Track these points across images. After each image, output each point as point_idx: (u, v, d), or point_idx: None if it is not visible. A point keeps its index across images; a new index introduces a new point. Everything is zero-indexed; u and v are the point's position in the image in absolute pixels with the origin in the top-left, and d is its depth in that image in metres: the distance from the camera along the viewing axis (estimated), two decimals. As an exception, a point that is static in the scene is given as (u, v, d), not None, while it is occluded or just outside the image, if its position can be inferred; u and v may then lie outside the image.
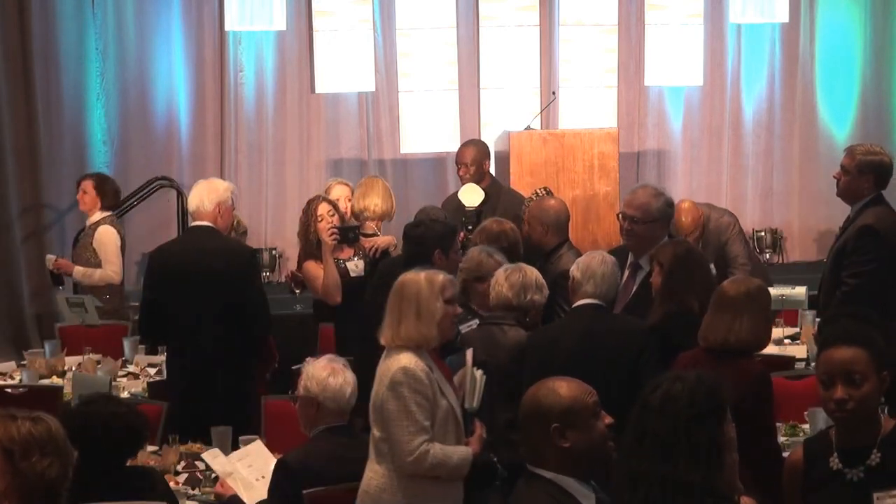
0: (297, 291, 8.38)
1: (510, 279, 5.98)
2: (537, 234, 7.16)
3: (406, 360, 4.80)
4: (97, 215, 8.93)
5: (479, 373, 5.04)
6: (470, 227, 7.70)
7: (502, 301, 5.99)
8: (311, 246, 7.63)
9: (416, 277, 4.94)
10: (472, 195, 8.37)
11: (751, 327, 5.12)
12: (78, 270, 8.81)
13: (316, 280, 7.58)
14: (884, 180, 7.12)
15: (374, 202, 7.91)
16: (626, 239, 6.50)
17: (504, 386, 5.66)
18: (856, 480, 3.81)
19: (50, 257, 8.95)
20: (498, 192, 8.73)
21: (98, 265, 8.79)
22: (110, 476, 4.52)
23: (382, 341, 4.91)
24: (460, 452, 4.82)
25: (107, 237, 8.89)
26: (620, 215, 6.56)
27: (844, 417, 3.80)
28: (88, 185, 8.94)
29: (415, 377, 4.75)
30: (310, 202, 7.76)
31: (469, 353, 5.19)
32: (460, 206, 8.33)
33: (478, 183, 8.65)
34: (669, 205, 6.57)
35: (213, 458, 5.25)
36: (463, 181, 8.74)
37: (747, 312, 5.12)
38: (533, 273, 6.05)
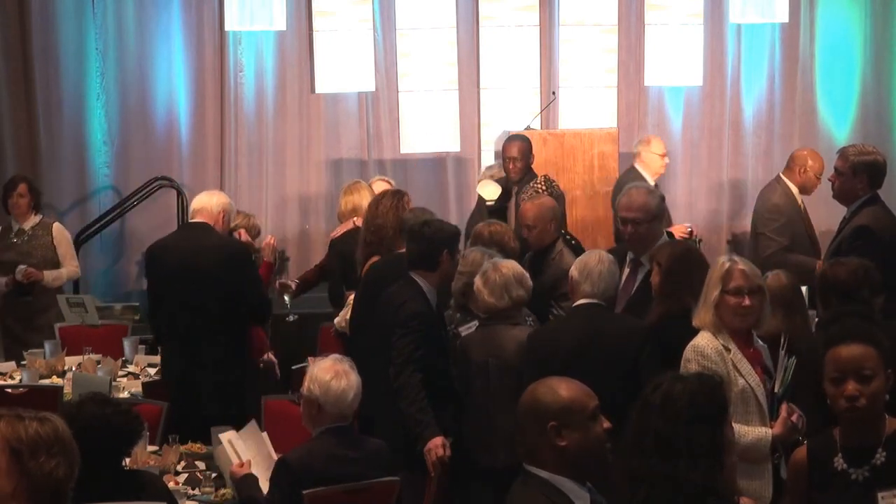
0: (287, 299, 8.03)
1: (489, 283, 5.92)
2: (548, 234, 7.15)
3: (699, 339, 4.95)
4: (36, 217, 8.86)
5: (791, 359, 5.05)
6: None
7: (489, 308, 5.95)
8: (390, 239, 7.11)
9: (717, 261, 5.08)
10: (489, 190, 8.50)
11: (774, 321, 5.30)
12: (48, 275, 8.72)
13: None
14: (878, 180, 7.13)
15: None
16: (629, 242, 6.54)
17: (508, 386, 5.66)
18: (861, 480, 3.81)
19: (21, 267, 8.62)
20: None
21: (55, 265, 8.79)
22: (107, 478, 4.51)
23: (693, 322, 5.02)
24: (756, 433, 4.86)
25: (64, 235, 8.96)
26: (620, 220, 6.61)
27: (856, 414, 3.79)
28: (25, 188, 8.83)
29: (703, 354, 4.88)
30: (403, 195, 7.37)
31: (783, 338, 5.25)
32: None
33: (523, 176, 8.74)
34: (662, 199, 6.73)
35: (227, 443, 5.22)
36: (511, 175, 8.82)
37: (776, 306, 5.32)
38: (510, 268, 5.99)
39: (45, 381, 7.28)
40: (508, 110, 11.53)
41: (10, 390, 6.80)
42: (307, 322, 8.58)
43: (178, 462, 5.69)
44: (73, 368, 7.45)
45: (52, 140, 10.90)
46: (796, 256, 8.06)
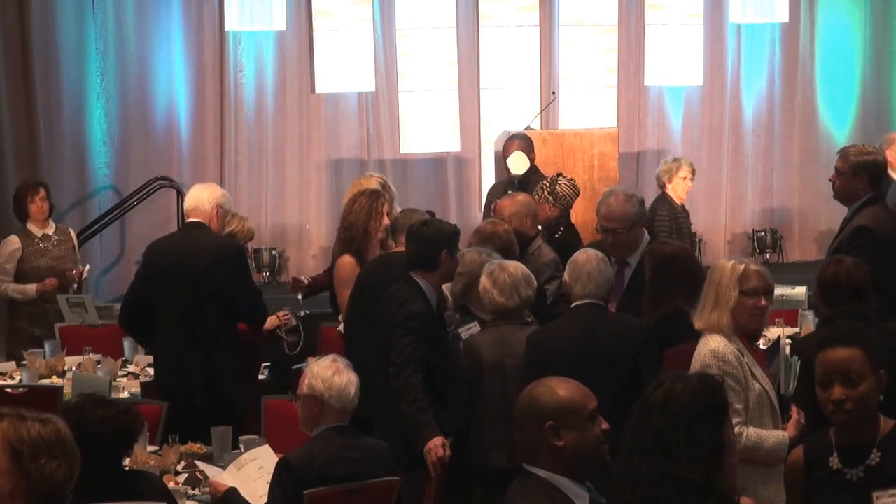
0: (300, 297, 8.07)
1: (498, 283, 5.91)
2: (525, 229, 7.18)
3: (715, 342, 4.85)
4: (51, 222, 8.85)
5: (794, 358, 5.03)
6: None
7: (498, 308, 5.93)
8: (359, 239, 7.13)
9: (725, 264, 4.99)
10: (518, 162, 8.66)
11: None
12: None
13: (351, 279, 7.11)
14: (879, 180, 7.12)
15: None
16: (612, 249, 6.53)
17: (521, 385, 5.63)
18: (855, 480, 3.82)
19: (84, 268, 8.76)
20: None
21: None
22: (107, 478, 4.51)
23: (694, 324, 4.98)
24: (776, 437, 4.83)
25: (76, 241, 9.03)
26: (602, 229, 6.62)
27: (843, 418, 3.80)
28: (45, 192, 8.80)
29: (724, 359, 4.80)
30: (380, 196, 7.27)
31: (783, 339, 5.22)
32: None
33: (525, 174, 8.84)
34: (642, 203, 6.71)
35: (209, 470, 5.25)
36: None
37: None
38: (517, 269, 5.98)
39: (45, 381, 7.27)
40: (508, 110, 11.55)
41: (10, 390, 6.80)
42: (308, 322, 8.58)
43: (178, 462, 5.68)
44: (73, 368, 7.44)
45: (52, 140, 10.90)
46: None
